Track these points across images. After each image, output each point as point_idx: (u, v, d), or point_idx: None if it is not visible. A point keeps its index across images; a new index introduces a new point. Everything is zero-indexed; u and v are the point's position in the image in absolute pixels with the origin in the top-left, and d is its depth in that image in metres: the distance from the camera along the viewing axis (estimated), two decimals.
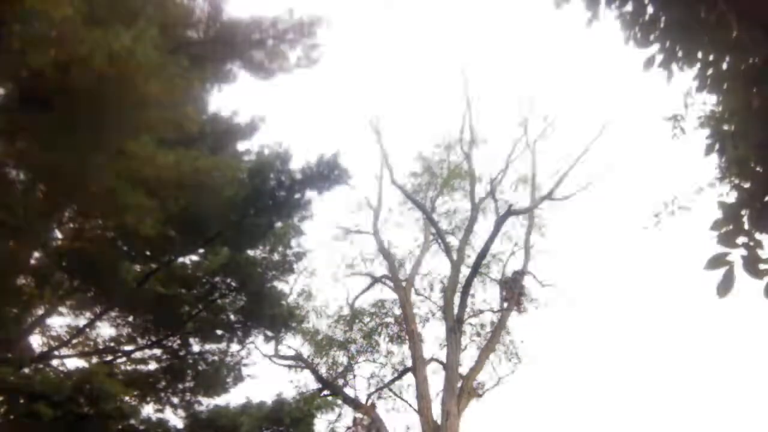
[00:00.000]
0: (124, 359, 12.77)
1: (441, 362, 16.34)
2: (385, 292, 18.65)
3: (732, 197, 3.82)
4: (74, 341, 12.62)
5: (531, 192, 18.71)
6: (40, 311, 11.66)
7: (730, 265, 3.45)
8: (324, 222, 18.11)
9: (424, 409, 15.44)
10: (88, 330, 12.57)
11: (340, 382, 17.64)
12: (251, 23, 10.03)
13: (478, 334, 17.56)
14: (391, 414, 17.04)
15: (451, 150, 19.75)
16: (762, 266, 3.43)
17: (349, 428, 16.94)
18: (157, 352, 12.88)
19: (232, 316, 13.13)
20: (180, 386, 12.90)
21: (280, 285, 13.66)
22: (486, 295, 18.13)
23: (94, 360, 12.22)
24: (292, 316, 14.25)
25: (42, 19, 6.50)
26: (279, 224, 12.49)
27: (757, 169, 3.79)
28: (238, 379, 13.41)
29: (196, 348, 13.22)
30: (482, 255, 16.98)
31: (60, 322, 12.51)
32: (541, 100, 20.92)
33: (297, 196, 11.63)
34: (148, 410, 12.41)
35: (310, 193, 11.72)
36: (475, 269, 16.93)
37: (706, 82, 4.09)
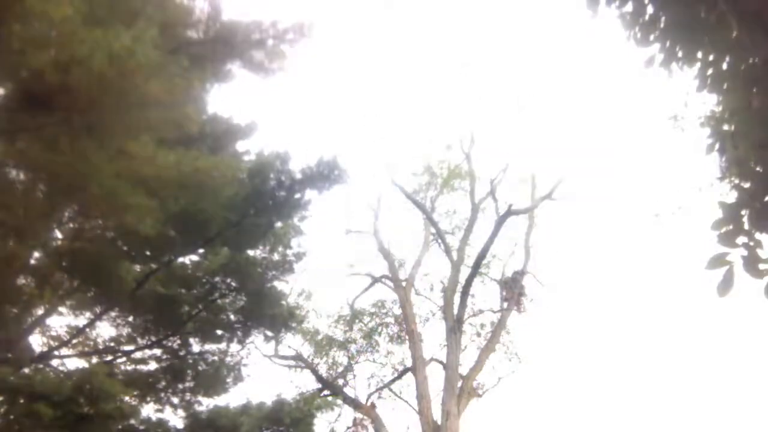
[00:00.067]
0: (124, 359, 12.78)
1: (441, 362, 16.33)
2: (385, 292, 18.67)
3: (732, 197, 3.82)
4: (74, 341, 12.62)
5: (531, 192, 18.72)
6: (40, 311, 11.66)
7: (730, 265, 3.45)
8: (324, 222, 18.10)
9: (424, 409, 15.44)
10: (88, 330, 12.58)
11: (340, 382, 17.65)
12: (251, 23, 10.03)
13: (478, 334, 17.57)
14: (391, 414, 17.05)
15: (451, 150, 19.76)
16: (762, 266, 3.44)
17: (349, 428, 16.94)
18: (157, 352, 12.89)
19: (232, 316, 13.15)
20: (180, 386, 12.91)
21: (280, 285, 13.68)
22: (486, 295, 18.14)
23: (94, 360, 12.23)
24: (292, 316, 14.27)
25: (42, 19, 6.50)
26: (279, 224, 12.50)
27: (757, 169, 3.79)
28: (238, 379, 13.42)
29: (196, 348, 13.24)
30: (482, 255, 16.97)
31: (60, 322, 12.53)
32: (542, 100, 20.92)
33: (297, 196, 11.64)
34: (148, 410, 12.44)
35: (310, 193, 11.75)
36: (475, 269, 16.93)
37: (706, 82, 4.09)
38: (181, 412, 12.78)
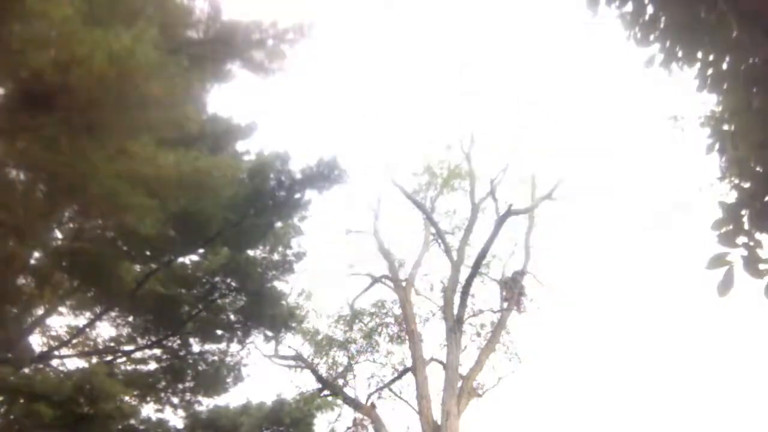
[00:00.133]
0: (124, 359, 12.79)
1: (441, 362, 16.33)
2: (385, 292, 18.66)
3: (732, 197, 3.82)
4: (74, 341, 12.63)
5: (531, 192, 18.72)
6: (40, 311, 11.66)
7: (731, 265, 3.45)
8: (324, 222, 18.10)
9: (424, 409, 15.44)
10: (88, 330, 12.59)
11: (340, 382, 17.64)
12: (251, 23, 10.03)
13: (478, 334, 17.56)
14: (391, 414, 17.05)
15: (451, 150, 19.75)
16: (762, 266, 3.44)
17: (349, 428, 16.94)
18: (157, 352, 12.90)
19: (232, 316, 13.16)
20: (180, 386, 12.92)
21: (280, 285, 13.69)
22: (486, 295, 18.13)
23: (94, 360, 12.24)
24: (292, 316, 14.28)
25: (42, 19, 6.49)
26: (279, 224, 12.51)
27: (757, 169, 3.79)
28: (238, 379, 13.43)
29: (196, 348, 13.25)
30: (482, 255, 16.97)
31: (60, 322, 12.55)
32: (542, 100, 20.92)
33: (297, 196, 11.65)
34: (148, 410, 12.45)
35: (309, 193, 11.76)
36: (475, 269, 16.92)
37: (706, 82, 4.09)
38: (181, 412, 12.80)
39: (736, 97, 3.95)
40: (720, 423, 16.85)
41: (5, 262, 9.36)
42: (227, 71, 10.35)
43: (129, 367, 12.91)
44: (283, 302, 14.02)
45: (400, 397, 17.24)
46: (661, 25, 4.08)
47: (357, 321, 18.35)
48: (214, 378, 13.00)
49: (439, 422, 15.00)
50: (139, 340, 12.74)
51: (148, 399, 12.64)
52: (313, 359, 17.90)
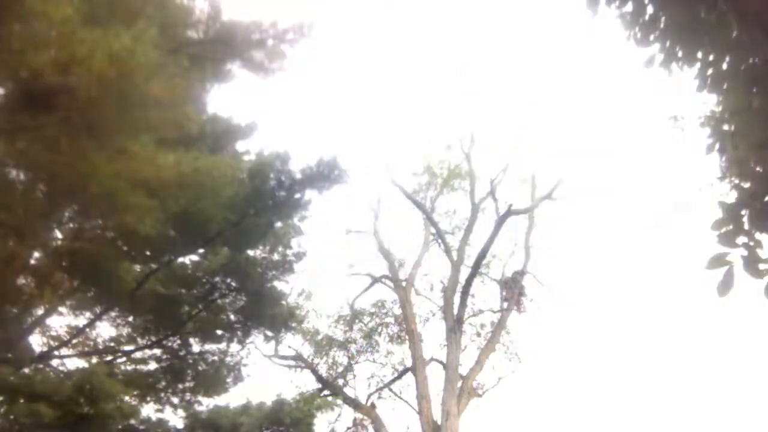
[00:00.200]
0: (124, 359, 12.79)
1: (441, 362, 16.33)
2: (385, 292, 18.66)
3: (732, 197, 3.82)
4: (74, 341, 12.63)
5: (531, 192, 18.72)
6: (40, 311, 11.67)
7: (730, 265, 3.45)
8: (324, 222, 18.10)
9: (424, 409, 15.43)
10: (88, 330, 12.59)
11: (340, 382, 17.63)
12: (251, 23, 10.03)
13: (478, 334, 17.55)
14: (391, 414, 17.05)
15: (451, 150, 19.75)
16: (762, 266, 3.43)
17: (349, 428, 16.94)
18: (157, 352, 12.90)
19: (232, 316, 13.16)
20: (180, 386, 12.92)
21: (280, 285, 13.69)
22: (486, 295, 18.13)
23: (94, 360, 12.24)
24: (292, 316, 14.28)
25: (42, 19, 6.50)
26: (279, 224, 12.51)
27: (757, 169, 3.79)
28: (238, 379, 13.43)
29: (196, 348, 13.25)
30: (482, 255, 16.96)
31: (60, 322, 12.55)
32: (542, 100, 20.94)
33: (297, 196, 11.66)
34: (148, 410, 12.45)
35: (309, 193, 11.77)
36: (475, 269, 16.92)
37: (706, 82, 4.09)
38: (181, 412, 12.80)
39: (736, 97, 3.95)
40: (720, 423, 16.86)
41: (5, 262, 9.36)
42: (227, 71, 10.36)
43: (129, 367, 12.92)
44: (283, 302, 14.02)
45: (400, 397, 17.25)
46: (661, 25, 4.08)
47: (357, 321, 18.34)
48: (214, 378, 13.00)
49: (439, 422, 15.00)
50: (139, 340, 12.74)
51: (148, 399, 12.64)
52: (313, 359, 17.89)
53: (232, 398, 13.09)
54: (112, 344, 12.80)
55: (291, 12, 10.39)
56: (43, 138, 7.28)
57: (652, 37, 4.15)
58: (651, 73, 4.26)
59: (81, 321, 12.43)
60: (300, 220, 12.97)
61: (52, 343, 12.44)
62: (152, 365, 13.00)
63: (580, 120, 19.57)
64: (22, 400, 9.81)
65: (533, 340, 17.79)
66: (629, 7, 4.12)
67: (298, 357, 17.77)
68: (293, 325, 14.64)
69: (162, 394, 12.83)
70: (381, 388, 17.41)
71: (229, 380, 13.30)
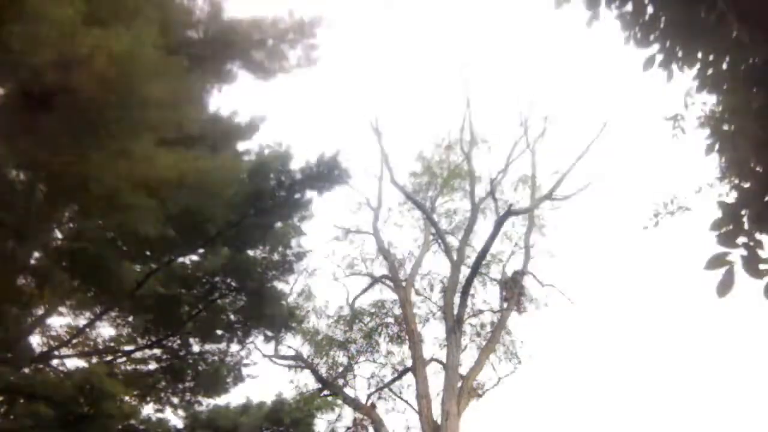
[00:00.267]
0: (124, 359, 12.77)
1: (441, 362, 16.33)
2: (385, 292, 18.66)
3: (732, 197, 3.81)
4: (74, 341, 12.62)
5: (531, 192, 18.72)
6: (40, 311, 11.66)
7: (730, 265, 3.44)
8: (324, 222, 18.13)
9: (424, 409, 15.43)
10: (88, 330, 12.58)
11: (340, 382, 17.63)
12: (251, 23, 10.03)
13: (478, 334, 17.57)
14: (391, 414, 17.05)
15: (451, 150, 19.75)
16: (762, 266, 3.43)
17: (349, 428, 16.94)
18: (157, 352, 12.88)
19: (232, 316, 13.13)
20: (180, 386, 12.90)
21: (280, 285, 13.67)
22: (486, 295, 18.14)
23: (94, 360, 12.23)
24: (292, 316, 14.26)
25: (42, 19, 6.49)
26: (279, 224, 12.50)
27: (757, 169, 3.79)
28: (238, 379, 13.41)
29: (196, 348, 13.22)
30: (482, 255, 16.97)
31: (60, 322, 12.54)
32: (541, 100, 21.00)
33: (297, 196, 11.64)
34: (148, 410, 12.43)
35: (310, 193, 11.75)
36: (475, 269, 16.92)
37: (706, 82, 4.09)
38: (181, 412, 12.77)
39: (736, 97, 3.95)
40: (720, 422, 16.86)
41: (5, 262, 9.36)
42: (227, 71, 10.36)
43: (129, 367, 12.90)
44: (283, 302, 14.00)
45: (400, 397, 17.26)
46: (661, 25, 4.08)
47: (357, 321, 18.35)
48: (214, 378, 12.98)
49: (439, 422, 15.00)
50: (139, 340, 12.72)
51: (148, 399, 12.63)
52: (313, 359, 17.90)
53: (232, 398, 13.08)
54: (112, 344, 12.78)
55: (290, 12, 10.40)
56: (43, 138, 7.28)
57: (652, 37, 4.14)
58: (651, 73, 4.26)
59: (81, 321, 12.43)
60: (300, 220, 12.95)
61: (52, 343, 12.43)
62: (152, 365, 12.98)
63: (580, 120, 19.60)
64: (22, 400, 9.81)
65: (533, 340, 17.83)
66: (629, 7, 4.11)
67: (298, 357, 17.78)
68: (293, 325, 14.62)
69: (162, 394, 12.81)
70: (381, 388, 17.42)
71: (229, 380, 13.27)
